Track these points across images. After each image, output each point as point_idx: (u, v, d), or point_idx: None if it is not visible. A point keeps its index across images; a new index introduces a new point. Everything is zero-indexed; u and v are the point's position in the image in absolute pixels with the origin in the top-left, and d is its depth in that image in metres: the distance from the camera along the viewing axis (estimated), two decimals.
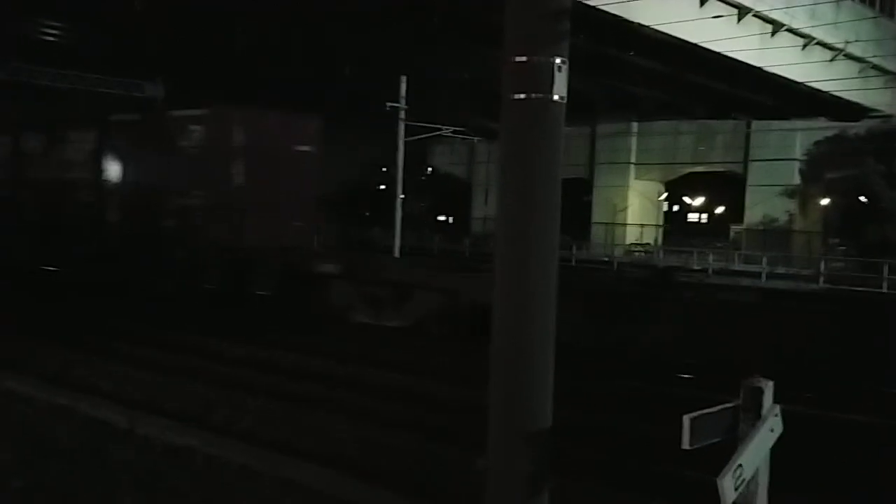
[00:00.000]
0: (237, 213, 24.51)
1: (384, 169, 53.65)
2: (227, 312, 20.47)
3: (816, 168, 38.56)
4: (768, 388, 3.38)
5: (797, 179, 40.83)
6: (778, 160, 41.22)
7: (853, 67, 37.57)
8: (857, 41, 36.28)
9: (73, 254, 27.25)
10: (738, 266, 34.22)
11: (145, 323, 17.69)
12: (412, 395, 11.80)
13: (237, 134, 26.21)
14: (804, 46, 35.89)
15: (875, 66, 38.30)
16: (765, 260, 30.74)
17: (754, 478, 3.30)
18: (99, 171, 28.59)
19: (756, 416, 3.34)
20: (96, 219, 28.40)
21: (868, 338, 16.28)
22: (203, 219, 25.33)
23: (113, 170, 28.43)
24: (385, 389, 12.11)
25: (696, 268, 33.11)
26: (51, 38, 36.30)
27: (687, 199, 57.82)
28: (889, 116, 39.15)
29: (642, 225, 46.81)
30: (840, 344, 16.09)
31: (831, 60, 36.89)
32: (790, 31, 35.02)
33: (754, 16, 33.76)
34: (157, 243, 25.26)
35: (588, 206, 48.60)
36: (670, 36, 30.40)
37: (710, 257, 34.18)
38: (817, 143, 38.91)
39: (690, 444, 3.18)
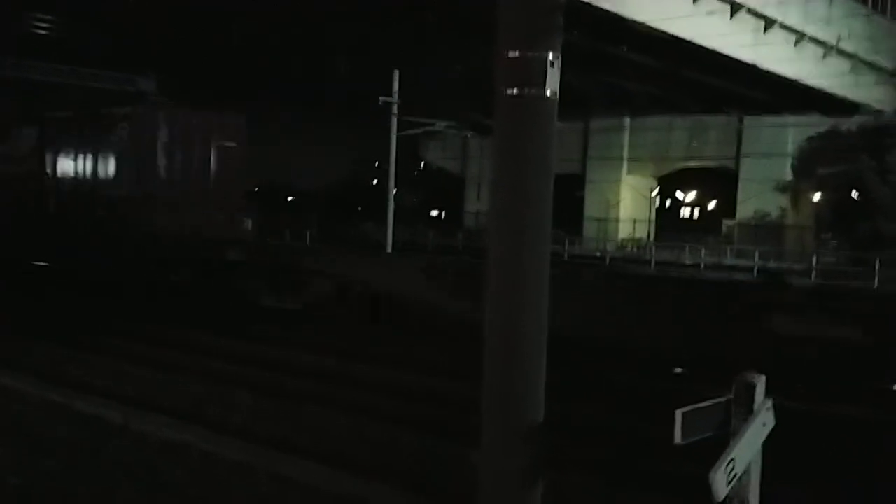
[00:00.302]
0: (161, 205, 25.99)
1: (377, 164, 53.70)
2: (139, 298, 21.87)
3: (808, 163, 38.63)
4: (760, 382, 3.39)
5: (789, 175, 40.92)
6: (770, 155, 41.30)
7: (845, 63, 37.65)
8: (848, 37, 36.35)
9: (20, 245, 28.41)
10: (730, 261, 34.30)
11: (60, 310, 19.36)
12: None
13: (162, 131, 27.75)
14: (796, 43, 35.95)
15: (867, 63, 38.38)
16: (756, 255, 30.82)
17: (746, 472, 3.31)
18: (40, 165, 29.95)
19: (748, 410, 3.35)
20: (35, 211, 29.63)
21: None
22: (127, 210, 26.78)
23: (50, 164, 29.80)
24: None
25: (688, 262, 33.20)
26: (42, 32, 36.19)
27: (679, 195, 57.94)
28: (881, 112, 39.24)
29: (635, 220, 46.88)
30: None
31: (823, 57, 36.96)
32: (783, 27, 35.06)
33: (747, 12, 33.79)
34: (84, 234, 26.44)
35: (581, 202, 48.65)
36: (664, 32, 30.40)
37: (703, 252, 34.26)
38: (809, 138, 38.97)
39: (682, 439, 3.18)
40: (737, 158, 44.02)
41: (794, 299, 18.53)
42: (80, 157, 29.07)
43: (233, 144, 28.57)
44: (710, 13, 31.40)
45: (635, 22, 29.49)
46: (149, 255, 25.00)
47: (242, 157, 29.11)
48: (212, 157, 27.99)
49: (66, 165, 29.57)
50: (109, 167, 28.16)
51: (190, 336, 16.43)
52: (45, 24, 35.74)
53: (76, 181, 29.15)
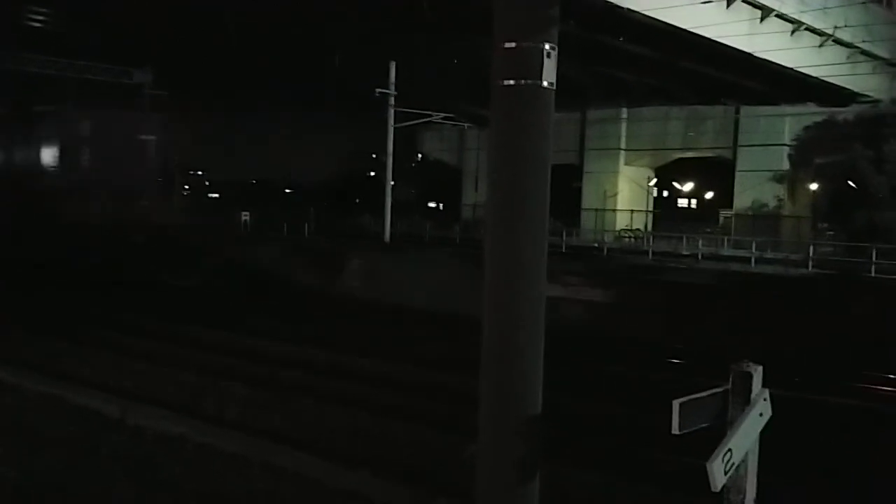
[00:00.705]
0: (82, 194, 29.24)
1: (374, 156, 53.67)
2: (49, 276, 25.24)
3: (805, 153, 38.62)
4: (757, 372, 3.40)
5: (786, 165, 40.91)
6: (767, 145, 41.29)
7: (842, 53, 37.58)
8: (845, 26, 36.26)
9: None
10: (727, 251, 34.34)
11: None
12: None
13: (84, 127, 31.14)
14: (793, 32, 35.87)
15: (863, 52, 38.30)
16: (754, 245, 30.86)
17: (744, 462, 3.32)
18: None
19: (745, 400, 3.35)
20: None
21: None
22: (55, 200, 29.73)
23: None
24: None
25: (685, 253, 33.22)
26: (38, 25, 36.10)
27: (677, 185, 57.98)
28: (877, 102, 39.22)
29: (632, 211, 46.89)
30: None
31: (820, 46, 36.90)
32: (779, 16, 34.98)
33: (744, 1, 33.71)
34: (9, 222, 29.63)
35: (578, 192, 48.62)
36: (660, 21, 30.35)
37: (700, 242, 34.29)
38: (806, 128, 38.95)
39: (680, 430, 3.19)
40: (734, 148, 43.96)
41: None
42: (12, 151, 32.22)
43: (152, 138, 32.36)
44: (707, 2, 31.32)
45: (631, 11, 29.42)
46: (64, 240, 28.26)
47: (160, 150, 32.80)
48: (131, 151, 31.38)
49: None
50: (40, 160, 31.36)
51: (87, 306, 19.96)
52: (42, 18, 35.68)
53: (6, 174, 32.27)
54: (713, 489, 3.13)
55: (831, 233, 36.08)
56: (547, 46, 3.29)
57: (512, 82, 3.31)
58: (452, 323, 17.85)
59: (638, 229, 45.19)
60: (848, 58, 37.74)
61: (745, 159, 43.02)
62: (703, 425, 3.32)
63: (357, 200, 57.10)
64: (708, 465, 3.08)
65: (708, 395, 3.35)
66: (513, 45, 3.29)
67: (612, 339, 18.41)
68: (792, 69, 35.76)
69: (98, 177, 30.85)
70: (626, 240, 42.73)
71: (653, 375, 14.43)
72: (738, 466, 3.27)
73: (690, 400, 3.24)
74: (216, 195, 73.81)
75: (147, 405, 10.05)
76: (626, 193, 48.19)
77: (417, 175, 61.29)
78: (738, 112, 43.45)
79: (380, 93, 32.21)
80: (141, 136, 31.85)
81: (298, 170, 66.17)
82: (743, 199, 42.86)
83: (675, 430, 3.18)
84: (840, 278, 23.43)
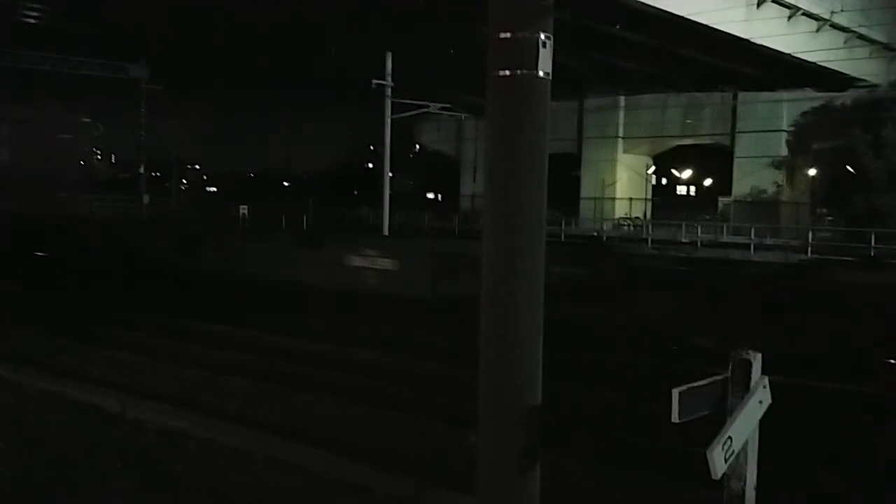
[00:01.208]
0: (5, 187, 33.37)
1: (372, 147, 53.62)
2: None
3: (803, 139, 38.60)
4: (756, 360, 3.40)
5: (784, 150, 40.88)
6: (765, 132, 41.26)
7: (839, 37, 37.50)
8: (842, 11, 36.18)
9: None
10: (726, 238, 34.37)
11: None
12: None
13: (5, 126, 34.48)
14: (790, 17, 35.79)
15: (860, 36, 38.21)
16: (753, 231, 30.88)
17: (743, 450, 3.33)
18: None
19: (744, 388, 3.36)
20: None
21: None
22: None
23: None
24: None
25: (684, 240, 33.24)
26: (33, 21, 36.03)
27: (675, 172, 57.99)
28: (875, 86, 39.15)
29: (631, 199, 46.87)
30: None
31: (817, 31, 36.81)
32: (776, 1, 34.90)
33: None
34: None
35: (577, 181, 48.61)
36: (656, 8, 30.28)
37: (699, 230, 34.31)
38: (804, 113, 38.92)
39: (680, 418, 3.19)
40: (732, 135, 43.95)
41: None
42: None
43: (70, 136, 36.03)
44: None
45: None
46: None
47: (80, 146, 36.59)
48: (56, 146, 34.48)
49: None
50: None
51: None
52: (37, 14, 35.61)
53: None
54: (714, 477, 3.14)
55: (830, 218, 36.11)
56: (542, 36, 3.27)
57: (507, 73, 3.29)
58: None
59: (637, 217, 45.20)
60: (845, 42, 37.67)
61: (743, 146, 43.01)
62: (704, 413, 3.32)
63: (356, 192, 57.10)
64: (708, 453, 3.08)
65: (707, 384, 3.35)
66: (507, 35, 3.27)
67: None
68: (789, 55, 35.70)
69: (16, 172, 34.69)
70: (625, 228, 42.76)
71: None
72: (738, 454, 3.27)
73: (690, 388, 3.24)
74: (214, 189, 73.82)
75: None
76: (625, 182, 48.17)
77: (416, 166, 61.25)
78: (735, 98, 43.41)
79: (377, 84, 32.17)
80: (63, 135, 35.17)
81: (297, 162, 66.18)
82: (741, 185, 42.86)
83: (675, 419, 3.18)
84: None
